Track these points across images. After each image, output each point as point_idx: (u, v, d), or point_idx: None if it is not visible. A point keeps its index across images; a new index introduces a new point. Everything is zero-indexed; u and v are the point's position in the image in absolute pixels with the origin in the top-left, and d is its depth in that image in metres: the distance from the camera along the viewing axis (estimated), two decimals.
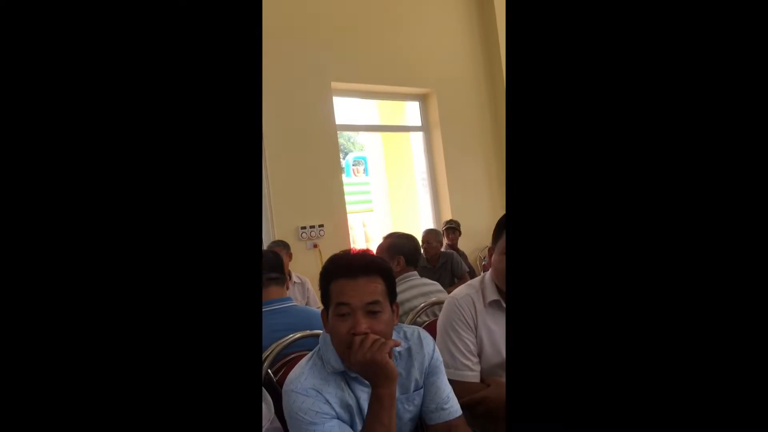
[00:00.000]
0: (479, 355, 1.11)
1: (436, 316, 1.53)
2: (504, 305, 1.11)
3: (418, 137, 4.08)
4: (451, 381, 0.96)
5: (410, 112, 4.10)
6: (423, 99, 4.03)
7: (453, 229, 3.48)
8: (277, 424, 0.92)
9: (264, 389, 0.96)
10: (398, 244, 1.85)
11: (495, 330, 1.11)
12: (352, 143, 7.83)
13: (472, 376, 1.09)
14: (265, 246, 2.71)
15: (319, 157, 3.25)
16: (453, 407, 0.91)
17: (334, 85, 3.37)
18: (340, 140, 3.55)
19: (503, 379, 1.08)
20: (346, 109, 4.03)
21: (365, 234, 5.93)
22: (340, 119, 3.44)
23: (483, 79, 4.25)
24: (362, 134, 6.40)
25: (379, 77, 3.60)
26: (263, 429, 0.88)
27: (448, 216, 3.83)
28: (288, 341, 1.15)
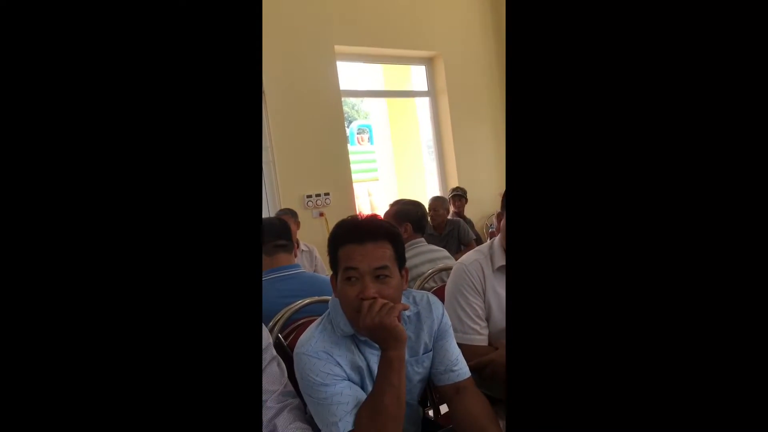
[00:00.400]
0: (487, 319, 1.12)
1: (443, 282, 1.53)
2: None
3: (425, 103, 3.99)
4: (459, 345, 0.97)
5: (416, 76, 3.99)
6: (429, 62, 3.91)
7: (459, 196, 3.45)
8: (290, 387, 0.94)
9: (277, 353, 0.98)
10: (405, 211, 1.84)
11: (503, 295, 1.11)
12: (356, 111, 7.68)
13: (480, 339, 1.10)
14: (273, 215, 2.71)
15: (323, 123, 3.19)
16: (462, 369, 0.93)
17: (338, 48, 3.27)
18: (344, 108, 3.48)
19: None
20: (350, 74, 3.93)
21: (371, 203, 5.92)
22: (344, 85, 3.36)
23: (492, 41, 4.10)
24: (366, 101, 6.27)
25: (384, 40, 3.49)
26: (277, 392, 0.90)
27: (454, 183, 3.80)
28: (297, 307, 1.16)
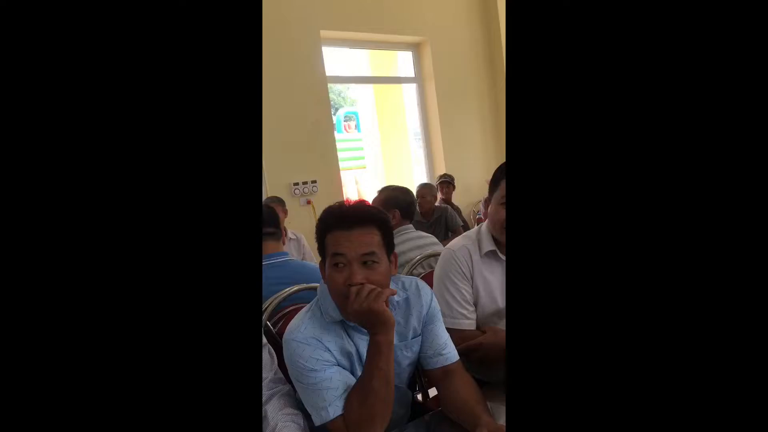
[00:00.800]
0: (475, 304, 1.13)
1: (431, 268, 1.55)
2: (500, 255, 1.12)
3: (411, 89, 3.97)
4: (448, 329, 0.98)
5: (403, 62, 3.96)
6: (416, 48, 3.87)
7: (447, 183, 3.46)
8: (280, 374, 0.94)
9: (266, 340, 0.98)
10: (393, 197, 1.84)
11: (491, 280, 1.12)
12: (343, 98, 7.60)
13: (468, 324, 1.11)
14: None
15: (309, 110, 3.16)
16: (450, 353, 0.94)
17: (324, 33, 3.22)
18: (330, 95, 3.44)
19: (497, 326, 1.10)
20: (336, 60, 3.88)
21: (358, 191, 5.90)
22: (330, 71, 3.31)
23: (479, 27, 4.08)
24: (353, 88, 6.21)
25: (371, 24, 3.44)
26: (267, 379, 0.91)
27: (441, 171, 3.81)
28: (286, 294, 1.15)
